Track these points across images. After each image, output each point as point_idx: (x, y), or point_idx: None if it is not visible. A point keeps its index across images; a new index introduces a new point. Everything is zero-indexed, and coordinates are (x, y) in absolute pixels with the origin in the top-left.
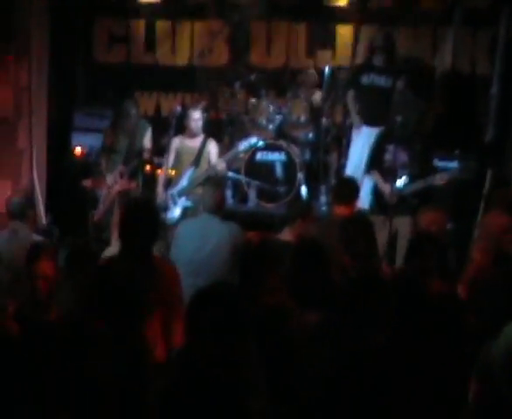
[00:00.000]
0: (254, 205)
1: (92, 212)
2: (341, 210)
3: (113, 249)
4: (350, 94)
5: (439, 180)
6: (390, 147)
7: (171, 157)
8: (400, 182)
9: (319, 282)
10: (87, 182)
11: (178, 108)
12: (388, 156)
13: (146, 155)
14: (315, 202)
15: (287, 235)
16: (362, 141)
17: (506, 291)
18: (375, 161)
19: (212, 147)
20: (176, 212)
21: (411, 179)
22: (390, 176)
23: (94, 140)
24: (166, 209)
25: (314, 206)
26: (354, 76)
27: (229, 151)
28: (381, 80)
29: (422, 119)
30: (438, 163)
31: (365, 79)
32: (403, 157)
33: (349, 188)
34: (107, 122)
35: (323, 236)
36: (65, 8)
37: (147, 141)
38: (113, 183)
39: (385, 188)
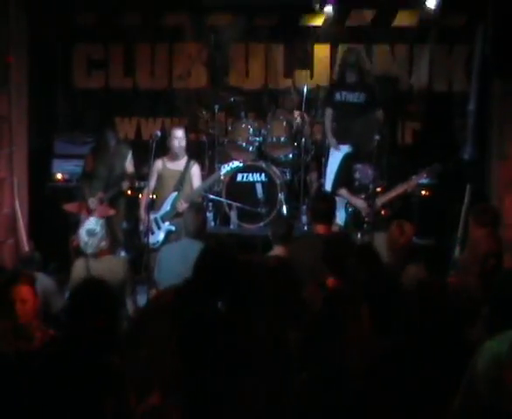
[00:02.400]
0: (236, 227)
1: (72, 237)
2: (321, 229)
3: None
4: (328, 113)
5: (407, 186)
6: (359, 166)
7: (153, 180)
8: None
9: (295, 302)
10: (71, 206)
11: (158, 133)
12: (358, 175)
13: (127, 182)
14: (297, 221)
15: (278, 251)
16: (338, 159)
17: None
18: (342, 181)
19: (195, 171)
20: (159, 236)
21: (382, 192)
22: (363, 193)
23: (75, 167)
24: (149, 232)
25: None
26: (328, 94)
27: (209, 173)
28: (354, 97)
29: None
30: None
31: (338, 97)
32: (371, 173)
33: (327, 206)
34: (87, 148)
35: (305, 255)
36: (43, 35)
37: (129, 166)
38: (93, 209)
39: (359, 203)
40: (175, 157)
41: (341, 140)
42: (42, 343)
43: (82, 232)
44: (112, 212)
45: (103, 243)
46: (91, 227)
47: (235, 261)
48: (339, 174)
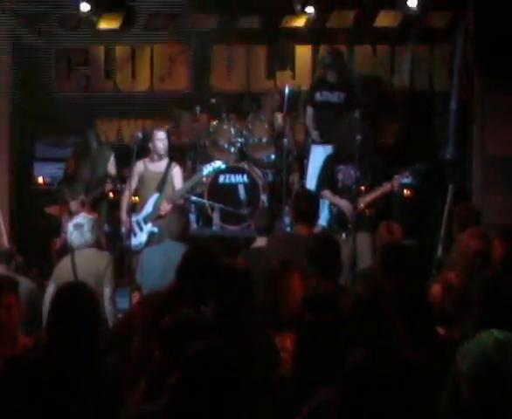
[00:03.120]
0: (219, 228)
1: (54, 240)
2: (303, 229)
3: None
4: (309, 112)
5: (391, 186)
6: (341, 167)
7: (134, 182)
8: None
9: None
10: (52, 209)
11: (139, 134)
12: (340, 176)
13: (109, 184)
14: (279, 222)
15: (261, 243)
16: (319, 159)
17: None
18: (325, 182)
19: (176, 172)
20: (142, 238)
21: (365, 192)
22: (346, 194)
23: (57, 170)
24: (131, 235)
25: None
26: (309, 94)
27: (192, 175)
28: (334, 97)
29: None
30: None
31: (318, 97)
32: (354, 174)
33: (310, 205)
34: (68, 151)
35: (284, 254)
36: (25, 38)
37: (111, 168)
38: (74, 212)
39: (343, 204)
40: (156, 159)
41: (322, 141)
42: (25, 348)
43: (70, 226)
44: (94, 215)
45: (89, 237)
46: (79, 221)
47: (218, 264)
48: (322, 175)
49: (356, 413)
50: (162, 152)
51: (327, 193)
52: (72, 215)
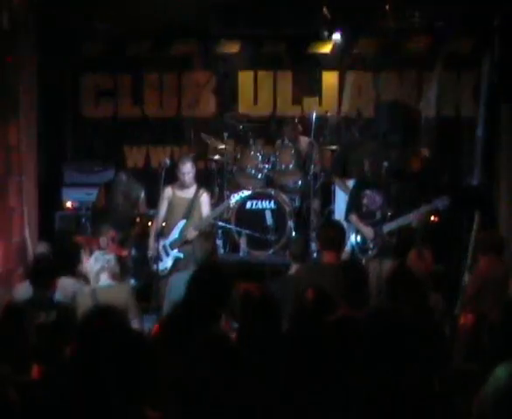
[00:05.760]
0: (245, 254)
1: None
2: (330, 256)
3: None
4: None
5: (413, 217)
6: (368, 192)
7: (163, 207)
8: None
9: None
10: (81, 239)
11: (167, 161)
12: (366, 201)
13: (139, 224)
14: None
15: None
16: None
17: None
18: (353, 207)
19: (204, 199)
20: (168, 263)
21: (389, 219)
22: (369, 220)
23: (85, 195)
24: (158, 260)
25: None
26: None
27: (219, 201)
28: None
29: (407, 162)
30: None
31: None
32: (379, 200)
33: (336, 233)
34: (96, 177)
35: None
36: (52, 65)
37: (141, 206)
38: (104, 246)
39: (366, 230)
40: (184, 187)
41: (349, 173)
42: (40, 374)
43: (95, 253)
44: (124, 253)
45: (112, 264)
46: (103, 252)
47: (228, 282)
48: (350, 200)
49: None
50: (188, 184)
51: (353, 218)
52: (99, 249)
